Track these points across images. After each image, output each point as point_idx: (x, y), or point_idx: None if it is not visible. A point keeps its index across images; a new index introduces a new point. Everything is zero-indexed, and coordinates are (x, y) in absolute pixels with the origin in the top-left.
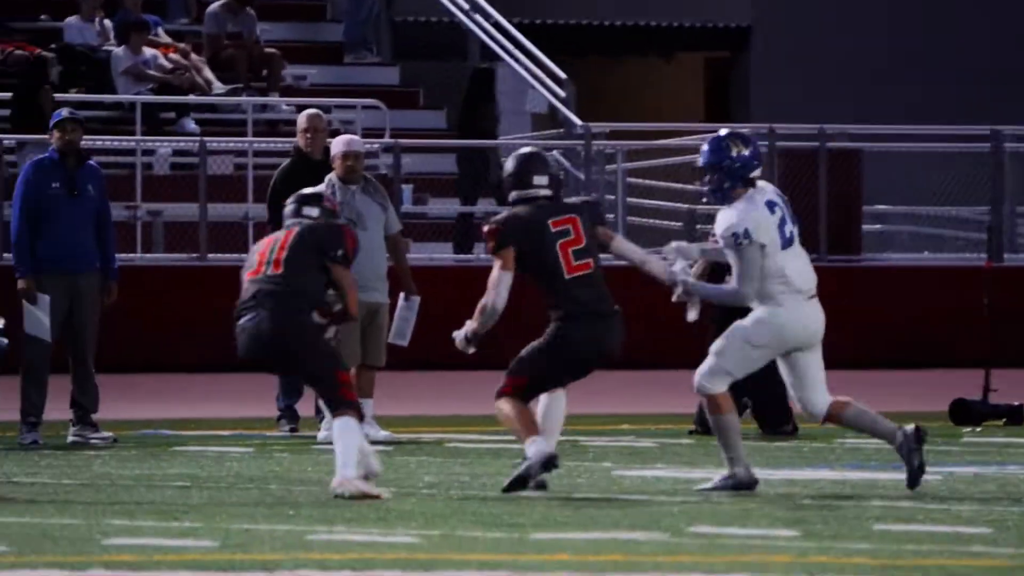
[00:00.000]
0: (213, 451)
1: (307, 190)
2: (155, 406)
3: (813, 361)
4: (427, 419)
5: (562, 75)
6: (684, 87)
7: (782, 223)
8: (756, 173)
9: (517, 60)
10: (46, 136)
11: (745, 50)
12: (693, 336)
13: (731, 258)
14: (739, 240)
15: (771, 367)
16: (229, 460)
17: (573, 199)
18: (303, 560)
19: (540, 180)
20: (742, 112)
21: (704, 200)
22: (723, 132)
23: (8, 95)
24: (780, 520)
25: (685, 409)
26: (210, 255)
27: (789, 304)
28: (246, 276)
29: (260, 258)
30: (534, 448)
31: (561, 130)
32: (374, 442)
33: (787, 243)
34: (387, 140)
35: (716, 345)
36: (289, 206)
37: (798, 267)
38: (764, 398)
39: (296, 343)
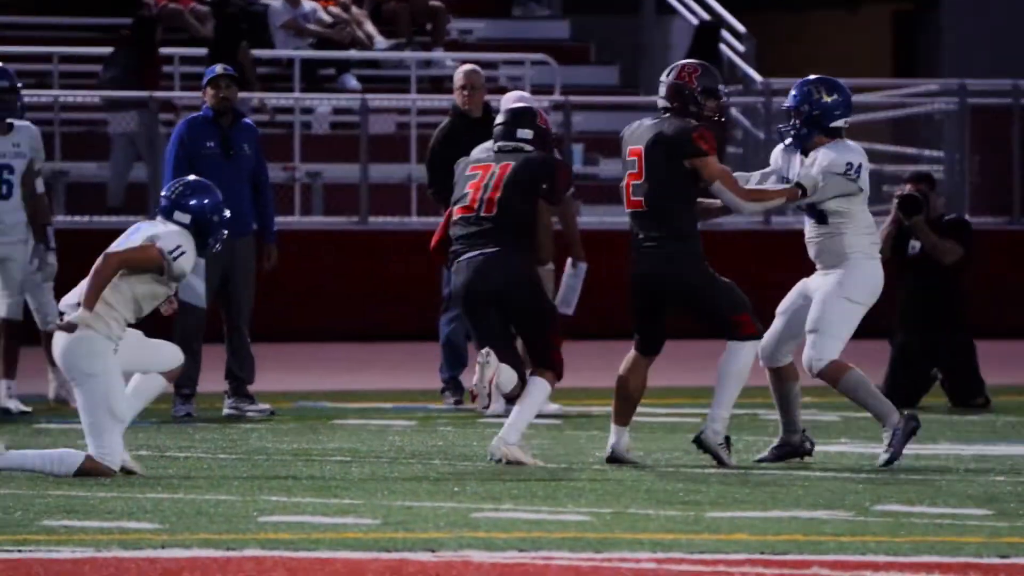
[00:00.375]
0: (374, 424)
1: (518, 106)
2: (314, 377)
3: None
4: (597, 391)
5: (741, 29)
6: (870, 41)
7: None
8: (840, 123)
9: (694, 13)
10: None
11: (934, 1)
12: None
13: (827, 185)
14: (849, 173)
15: (962, 337)
16: (391, 434)
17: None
18: (468, 539)
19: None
20: (931, 67)
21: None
22: (813, 77)
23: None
24: (971, 498)
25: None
26: (371, 218)
27: (877, 258)
28: (457, 211)
29: (473, 194)
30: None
31: (740, 87)
32: (544, 415)
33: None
34: (557, 97)
35: (812, 320)
36: (497, 127)
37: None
38: (955, 369)
39: (518, 295)
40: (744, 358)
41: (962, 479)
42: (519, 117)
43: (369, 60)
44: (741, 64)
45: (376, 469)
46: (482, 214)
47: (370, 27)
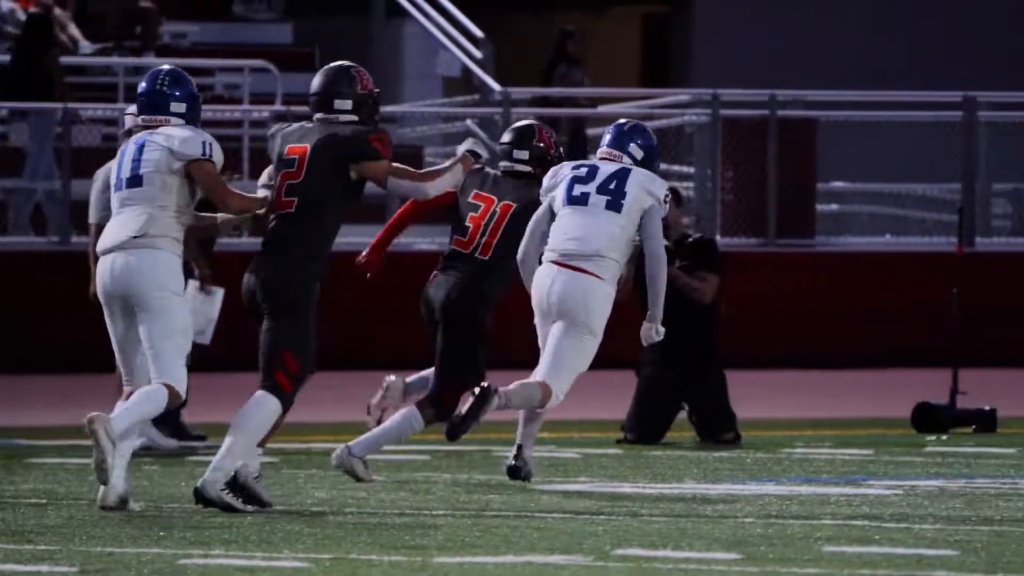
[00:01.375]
0: (73, 463)
1: (521, 124)
2: (5, 412)
3: (551, 336)
4: (316, 426)
5: (478, 33)
6: (618, 47)
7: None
8: None
9: (427, 15)
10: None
11: (687, 5)
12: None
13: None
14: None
15: (713, 369)
16: (91, 474)
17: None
18: None
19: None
20: (683, 75)
21: None
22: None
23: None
24: (719, 542)
25: (613, 415)
26: (75, 239)
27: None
28: (455, 241)
29: (472, 232)
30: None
31: (477, 96)
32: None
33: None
34: (279, 107)
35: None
36: (501, 146)
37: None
38: (704, 403)
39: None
40: (268, 412)
41: (709, 520)
42: (520, 137)
43: (73, 66)
44: (477, 71)
45: (75, 512)
46: (477, 255)
47: (74, 30)
